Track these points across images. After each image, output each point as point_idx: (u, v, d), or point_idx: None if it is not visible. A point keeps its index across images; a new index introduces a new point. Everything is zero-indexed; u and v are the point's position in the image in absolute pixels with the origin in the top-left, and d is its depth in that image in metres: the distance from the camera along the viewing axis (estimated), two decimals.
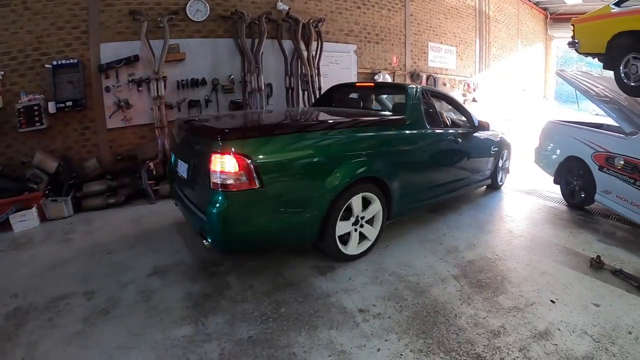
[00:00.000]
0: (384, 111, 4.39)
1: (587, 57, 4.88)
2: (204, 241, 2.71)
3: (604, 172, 4.26)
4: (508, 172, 5.92)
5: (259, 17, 6.11)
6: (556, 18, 13.77)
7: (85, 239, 3.89)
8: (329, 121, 3.29)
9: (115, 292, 2.84)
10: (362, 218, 3.25)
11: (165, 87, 5.55)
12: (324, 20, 6.93)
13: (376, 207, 3.30)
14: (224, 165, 2.50)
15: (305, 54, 6.55)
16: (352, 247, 3.23)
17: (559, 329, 2.43)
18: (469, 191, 5.14)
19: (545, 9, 13.71)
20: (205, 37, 5.96)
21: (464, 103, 9.16)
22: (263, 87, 6.06)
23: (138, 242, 3.74)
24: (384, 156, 3.31)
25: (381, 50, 8.13)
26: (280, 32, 6.51)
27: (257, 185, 2.56)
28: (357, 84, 5.12)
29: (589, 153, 4.45)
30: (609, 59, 4.28)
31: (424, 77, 9.14)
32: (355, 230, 3.23)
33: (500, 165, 5.43)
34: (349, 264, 3.21)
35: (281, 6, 6.50)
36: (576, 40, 4.77)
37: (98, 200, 4.86)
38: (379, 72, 7.99)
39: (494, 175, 5.34)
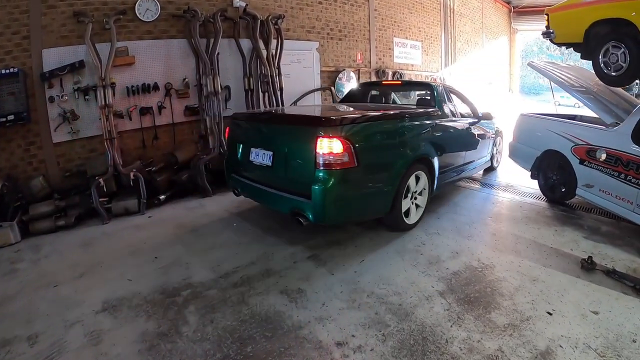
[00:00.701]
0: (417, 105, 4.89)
1: (561, 47, 4.77)
2: (300, 219, 3.22)
3: (585, 165, 4.12)
4: (500, 155, 6.69)
5: (214, 14, 5.71)
6: (519, 11, 14.05)
7: (31, 270, 3.40)
8: (399, 112, 3.92)
9: (60, 334, 2.43)
10: (415, 192, 3.90)
11: (114, 95, 5.07)
12: (284, 16, 6.60)
13: (424, 181, 3.96)
14: (331, 147, 3.03)
15: (264, 53, 6.19)
16: (412, 217, 3.92)
17: (560, 346, 2.19)
18: (476, 172, 5.80)
19: (508, 2, 13.96)
20: (157, 38, 5.50)
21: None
22: (220, 90, 5.64)
23: (88, 270, 3.30)
24: (429, 141, 4.00)
25: (345, 47, 7.88)
26: (238, 30, 6.13)
27: (355, 164, 3.10)
28: (384, 82, 6.23)
29: (569, 146, 4.30)
30: (587, 49, 4.16)
31: (390, 73, 8.97)
32: (412, 203, 3.89)
33: (496, 149, 6.33)
34: (322, 286, 2.87)
35: (238, 3, 6.12)
36: (551, 30, 4.64)
37: (46, 223, 4.34)
38: (343, 69, 7.73)
39: (492, 157, 6.20)
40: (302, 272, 3.07)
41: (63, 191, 4.78)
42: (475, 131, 5.15)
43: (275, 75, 6.29)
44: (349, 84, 7.84)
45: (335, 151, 3.04)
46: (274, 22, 6.39)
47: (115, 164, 4.87)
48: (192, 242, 3.78)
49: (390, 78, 8.94)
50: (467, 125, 4.93)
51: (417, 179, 3.87)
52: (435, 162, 4.02)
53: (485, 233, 3.88)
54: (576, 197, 4.43)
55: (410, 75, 9.77)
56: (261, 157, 3.59)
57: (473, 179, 5.98)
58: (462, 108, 5.14)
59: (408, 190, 3.74)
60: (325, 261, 3.25)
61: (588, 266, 3.11)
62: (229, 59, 6.09)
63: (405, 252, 3.41)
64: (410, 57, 9.90)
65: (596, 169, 3.97)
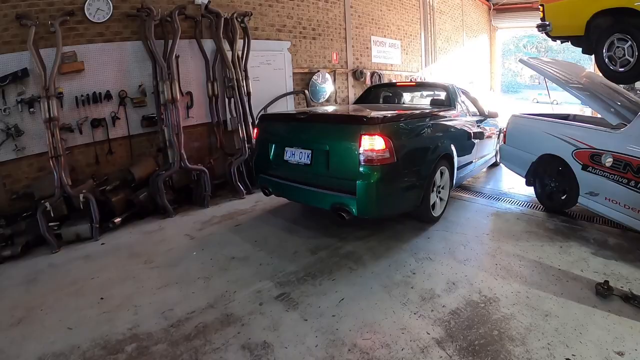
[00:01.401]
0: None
1: (555, 41, 4.41)
2: (343, 214, 3.44)
3: (588, 171, 3.75)
4: None
5: (172, 12, 5.14)
6: (499, 8, 13.95)
7: None
8: (428, 111, 4.26)
9: None
10: (440, 186, 4.16)
11: (61, 106, 4.48)
12: (251, 14, 6.09)
13: (447, 176, 4.24)
14: (374, 144, 3.26)
15: (229, 54, 5.66)
16: (437, 210, 4.19)
17: None
18: (484, 167, 6.08)
19: (488, 0, 13.79)
20: (109, 41, 4.90)
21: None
22: (179, 97, 5.07)
23: (27, 315, 2.74)
24: (450, 138, 4.27)
25: (319, 46, 7.42)
26: (200, 30, 5.59)
27: (394, 160, 3.33)
28: (398, 84, 6.60)
29: (570, 150, 3.94)
30: (588, 42, 3.81)
31: (368, 74, 8.56)
32: (437, 197, 4.15)
33: (499, 146, 6.22)
34: (292, 338, 2.34)
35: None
36: (547, 23, 4.29)
37: None
38: (318, 71, 7.26)
39: (496, 154, 6.35)
40: (269, 319, 2.55)
41: (10, 216, 4.18)
42: (484, 129, 5.43)
43: (242, 79, 5.77)
44: (325, 85, 7.39)
45: (377, 148, 3.26)
46: (239, 20, 5.87)
47: (63, 185, 4.25)
48: (145, 278, 3.22)
49: (368, 79, 8.53)
50: (478, 123, 5.21)
51: (442, 174, 4.15)
52: (455, 158, 4.32)
53: (483, 255, 3.44)
54: (577, 205, 4.06)
55: (389, 76, 9.38)
56: (298, 155, 3.78)
57: (463, 188, 5.59)
58: (471, 107, 5.41)
59: (434, 184, 4.01)
60: (296, 302, 2.73)
61: (604, 292, 2.71)
62: (190, 62, 5.54)
63: (392, 286, 2.91)
64: (389, 57, 9.52)
65: (602, 175, 3.61)
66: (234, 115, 5.80)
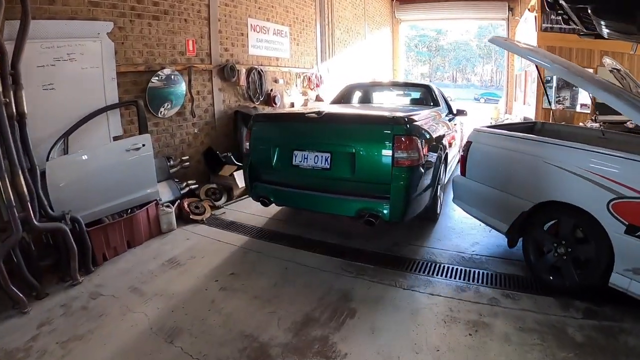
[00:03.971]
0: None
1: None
2: (372, 220, 3.48)
3: (637, 236, 2.53)
4: None
5: None
6: (403, 0, 13.29)
7: None
8: (435, 111, 4.82)
9: None
10: (439, 185, 4.42)
11: None
12: None
13: (442, 174, 4.48)
14: (408, 145, 3.43)
15: None
16: (438, 208, 4.61)
17: None
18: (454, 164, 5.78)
19: None
20: None
21: (305, 103, 8.51)
22: None
23: None
24: (445, 136, 4.58)
25: (164, 30, 5.30)
26: None
27: (422, 160, 3.56)
28: (381, 83, 7.52)
29: (604, 199, 2.68)
30: None
31: (243, 71, 6.69)
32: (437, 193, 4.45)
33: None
34: None
35: None
36: None
37: None
38: (162, 68, 5.17)
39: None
40: None
41: None
42: (457, 126, 5.75)
43: (10, 89, 3.50)
44: (174, 90, 5.37)
45: (411, 149, 3.41)
46: None
47: None
48: None
49: (244, 78, 6.66)
50: (450, 121, 5.35)
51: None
52: (450, 155, 4.71)
53: None
54: (610, 284, 2.77)
55: (274, 73, 7.64)
56: (312, 159, 3.76)
57: (388, 254, 4.04)
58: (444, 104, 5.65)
59: (439, 182, 4.30)
60: None
61: None
62: None
63: None
64: (274, 48, 7.75)
65: None
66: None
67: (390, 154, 3.38)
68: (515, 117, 9.99)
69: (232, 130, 6.41)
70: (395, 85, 6.99)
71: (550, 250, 3.18)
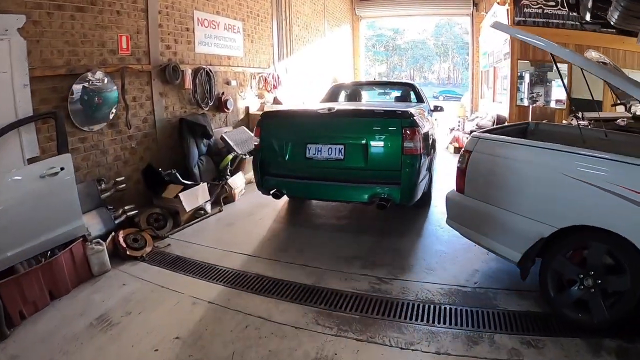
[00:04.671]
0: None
1: None
2: (384, 203, 3.87)
3: None
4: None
5: None
6: None
7: None
8: (424, 108, 5.41)
9: None
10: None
11: None
12: None
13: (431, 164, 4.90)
14: (414, 135, 3.85)
15: None
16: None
17: None
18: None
19: None
20: None
21: (263, 106, 7.87)
22: None
23: None
24: (432, 128, 5.09)
25: (91, 24, 4.40)
26: None
27: (424, 149, 4.02)
28: (367, 83, 8.70)
29: None
30: None
31: (189, 72, 5.85)
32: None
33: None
34: None
35: None
36: None
37: None
38: (88, 70, 4.27)
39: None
40: None
41: None
42: (435, 122, 6.10)
43: None
44: (104, 96, 4.49)
45: (416, 139, 3.85)
46: None
47: None
48: None
49: (189, 81, 5.83)
50: (433, 117, 5.82)
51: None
52: (436, 146, 5.27)
53: None
54: None
55: (225, 73, 6.86)
56: (326, 151, 4.08)
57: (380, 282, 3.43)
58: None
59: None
60: None
61: None
62: None
63: None
64: (226, 45, 6.95)
65: None
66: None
67: (400, 144, 3.81)
68: (486, 115, 9.65)
69: (177, 142, 5.57)
70: (382, 84, 7.73)
71: (574, 282, 2.72)
